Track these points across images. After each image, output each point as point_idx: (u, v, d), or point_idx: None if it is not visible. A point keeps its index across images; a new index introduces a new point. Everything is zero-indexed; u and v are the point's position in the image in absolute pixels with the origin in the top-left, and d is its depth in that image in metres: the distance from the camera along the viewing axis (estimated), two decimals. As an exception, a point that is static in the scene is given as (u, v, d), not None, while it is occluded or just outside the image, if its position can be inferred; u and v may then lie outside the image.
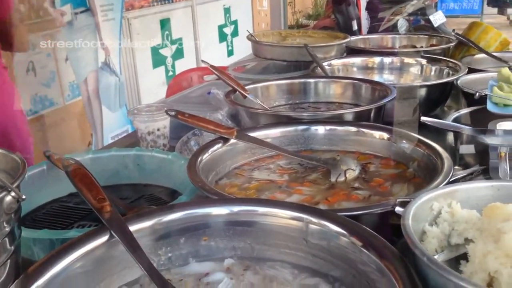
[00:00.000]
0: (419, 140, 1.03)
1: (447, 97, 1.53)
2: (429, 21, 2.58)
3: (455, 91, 1.51)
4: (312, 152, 1.14)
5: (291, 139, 1.14)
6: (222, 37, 4.43)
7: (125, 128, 3.10)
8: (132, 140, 1.38)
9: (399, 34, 2.33)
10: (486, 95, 1.27)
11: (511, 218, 0.65)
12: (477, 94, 1.28)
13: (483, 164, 1.00)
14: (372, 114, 1.22)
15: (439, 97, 1.49)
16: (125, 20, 3.21)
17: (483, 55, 1.85)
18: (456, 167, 1.00)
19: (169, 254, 0.74)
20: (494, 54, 1.84)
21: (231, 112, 1.37)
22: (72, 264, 0.64)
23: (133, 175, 1.08)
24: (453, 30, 2.07)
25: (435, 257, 0.68)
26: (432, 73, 1.70)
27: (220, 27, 4.38)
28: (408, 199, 0.72)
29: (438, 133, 1.17)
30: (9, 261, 0.63)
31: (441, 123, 1.16)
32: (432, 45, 2.08)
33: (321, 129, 1.15)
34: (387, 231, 0.72)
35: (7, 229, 0.62)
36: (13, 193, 0.61)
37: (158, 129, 1.25)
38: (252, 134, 1.09)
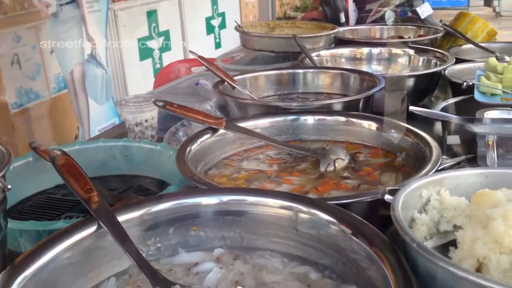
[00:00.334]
0: (408, 129, 1.03)
1: (435, 87, 1.54)
2: (416, 13, 2.58)
3: (442, 81, 1.52)
4: (301, 142, 1.14)
5: (280, 129, 1.14)
6: (210, 29, 4.40)
7: (112, 121, 3.07)
8: (120, 131, 1.37)
9: (387, 25, 2.33)
10: (473, 84, 1.28)
11: (500, 205, 0.66)
12: (465, 83, 1.29)
13: (470, 153, 1.00)
14: (360, 104, 1.22)
15: (427, 87, 1.50)
16: (111, 11, 3.17)
17: (470, 46, 1.86)
18: (444, 156, 1.01)
19: (158, 244, 0.74)
20: (481, 44, 1.85)
21: (220, 103, 1.36)
22: (59, 254, 0.63)
23: (121, 166, 1.07)
24: (441, 21, 2.08)
25: (424, 244, 0.68)
26: (420, 63, 1.71)
27: (208, 19, 4.34)
28: (397, 187, 0.72)
29: (426, 123, 1.17)
30: (-5, 252, 0.62)
31: (429, 112, 1.17)
32: (419, 36, 2.09)
33: (310, 119, 1.15)
34: (377, 220, 0.72)
35: (-8, 219, 0.61)
36: (-2, 183, 0.60)
37: (146, 120, 1.24)
38: (241, 124, 1.08)
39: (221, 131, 1.06)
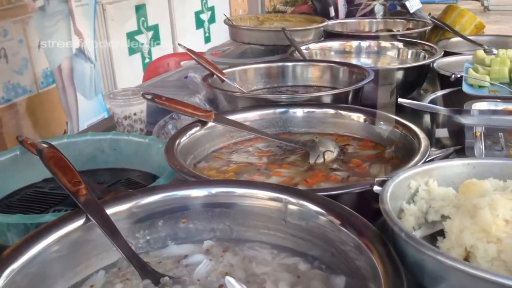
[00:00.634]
0: (397, 121, 1.04)
1: (423, 79, 1.55)
2: (405, 6, 2.59)
3: (431, 74, 1.53)
4: (290, 134, 1.14)
5: (270, 122, 1.14)
6: (199, 23, 4.38)
7: (101, 116, 3.05)
8: (108, 124, 1.36)
9: (376, 18, 2.33)
10: (461, 77, 1.29)
11: (487, 194, 0.66)
12: (453, 76, 1.29)
13: (459, 145, 1.01)
14: (350, 97, 1.22)
15: (415, 79, 1.51)
16: (100, 5, 3.14)
17: (458, 39, 1.87)
18: (433, 148, 1.01)
19: (148, 237, 0.73)
20: (469, 37, 1.86)
21: (209, 96, 1.36)
22: (47, 248, 0.63)
23: (109, 159, 1.06)
24: (429, 14, 2.09)
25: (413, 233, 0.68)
26: (409, 56, 1.72)
27: (197, 14, 4.32)
28: (386, 178, 0.73)
29: (415, 116, 1.18)
30: (-19, 246, 0.62)
31: (418, 104, 1.17)
32: (408, 29, 2.10)
33: (299, 112, 1.15)
34: (366, 211, 0.73)
35: (-21, 213, 0.61)
36: (-16, 176, 0.59)
37: (135, 114, 1.23)
38: (231, 117, 1.08)
39: (211, 124, 1.05)
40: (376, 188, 0.71)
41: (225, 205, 0.75)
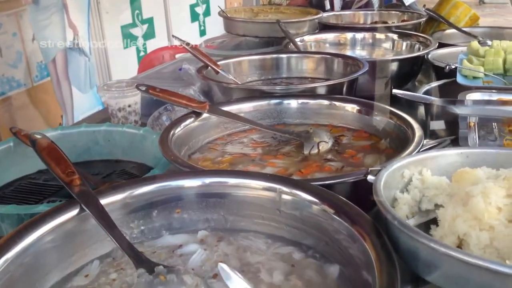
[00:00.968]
0: (391, 112, 1.04)
1: (418, 71, 1.55)
2: (400, -1, 2.59)
3: (426, 66, 1.53)
4: (285, 126, 1.14)
5: (264, 113, 1.14)
6: (194, 16, 4.36)
7: (96, 109, 3.03)
8: (103, 116, 1.36)
9: (371, 10, 2.33)
10: (456, 68, 1.29)
11: (480, 182, 0.66)
12: (447, 67, 1.30)
13: (453, 135, 1.01)
14: (344, 88, 1.22)
15: (410, 71, 1.51)
16: (94, -2, 3.12)
17: (453, 30, 1.87)
18: (427, 139, 1.02)
19: (142, 227, 0.74)
20: (464, 29, 1.87)
21: (204, 88, 1.35)
22: (41, 238, 0.63)
23: (104, 151, 1.06)
24: (424, 6, 2.08)
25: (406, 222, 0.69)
26: (404, 48, 1.72)
27: (192, 6, 4.30)
28: (380, 168, 0.73)
29: (409, 107, 1.18)
30: (-25, 236, 0.61)
31: (412, 95, 1.18)
32: (403, 21, 2.09)
33: (293, 103, 1.15)
34: (360, 201, 0.73)
35: (-28, 203, 0.61)
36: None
37: (129, 106, 1.23)
38: (225, 109, 1.08)
39: (205, 115, 1.05)
40: (370, 177, 0.72)
41: (219, 195, 0.75)
